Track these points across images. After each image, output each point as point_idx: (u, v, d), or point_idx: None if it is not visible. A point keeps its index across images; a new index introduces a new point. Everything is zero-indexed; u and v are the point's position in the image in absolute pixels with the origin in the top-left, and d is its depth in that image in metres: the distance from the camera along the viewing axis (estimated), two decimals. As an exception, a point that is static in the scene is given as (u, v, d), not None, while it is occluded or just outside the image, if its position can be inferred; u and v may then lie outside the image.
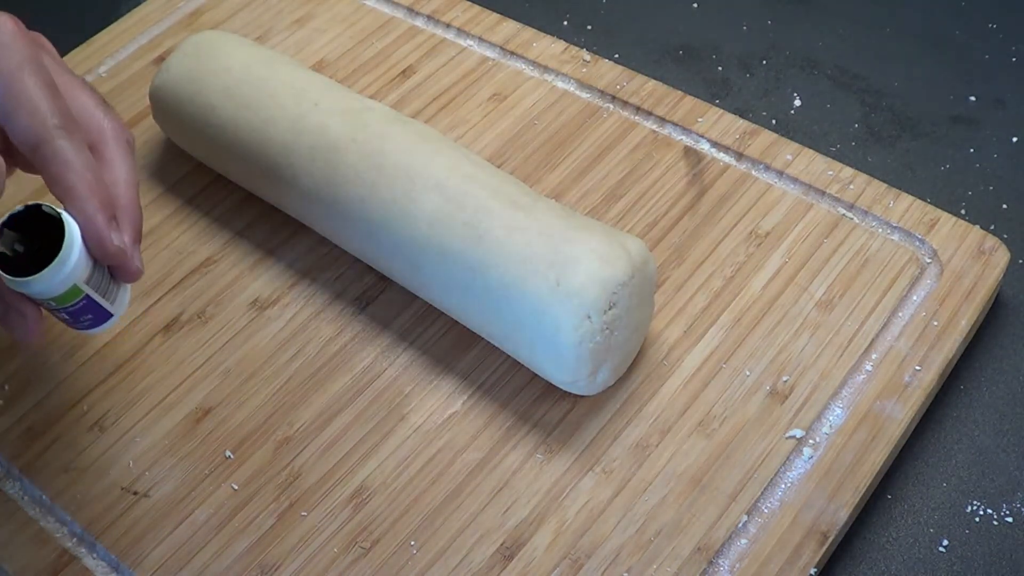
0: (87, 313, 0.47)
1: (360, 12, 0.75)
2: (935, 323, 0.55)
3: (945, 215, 0.59)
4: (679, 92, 0.67)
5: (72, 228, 0.44)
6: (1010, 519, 0.51)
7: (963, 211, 0.63)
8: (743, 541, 0.49)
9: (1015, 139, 0.66)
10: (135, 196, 0.47)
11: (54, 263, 0.43)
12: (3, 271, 0.44)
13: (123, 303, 0.49)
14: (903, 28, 0.74)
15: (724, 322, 0.57)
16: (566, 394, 0.54)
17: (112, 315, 0.48)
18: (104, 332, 0.49)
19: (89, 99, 0.48)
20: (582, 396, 0.54)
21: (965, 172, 0.65)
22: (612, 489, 0.51)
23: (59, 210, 0.44)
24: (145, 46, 0.74)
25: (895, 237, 0.59)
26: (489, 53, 0.71)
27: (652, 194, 0.62)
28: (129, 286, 0.49)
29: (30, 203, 0.44)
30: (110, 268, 0.47)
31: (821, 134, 0.68)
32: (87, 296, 0.46)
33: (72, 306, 0.46)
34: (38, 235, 0.44)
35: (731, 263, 0.59)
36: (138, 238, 0.47)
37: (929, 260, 0.58)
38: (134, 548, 0.51)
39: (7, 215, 0.44)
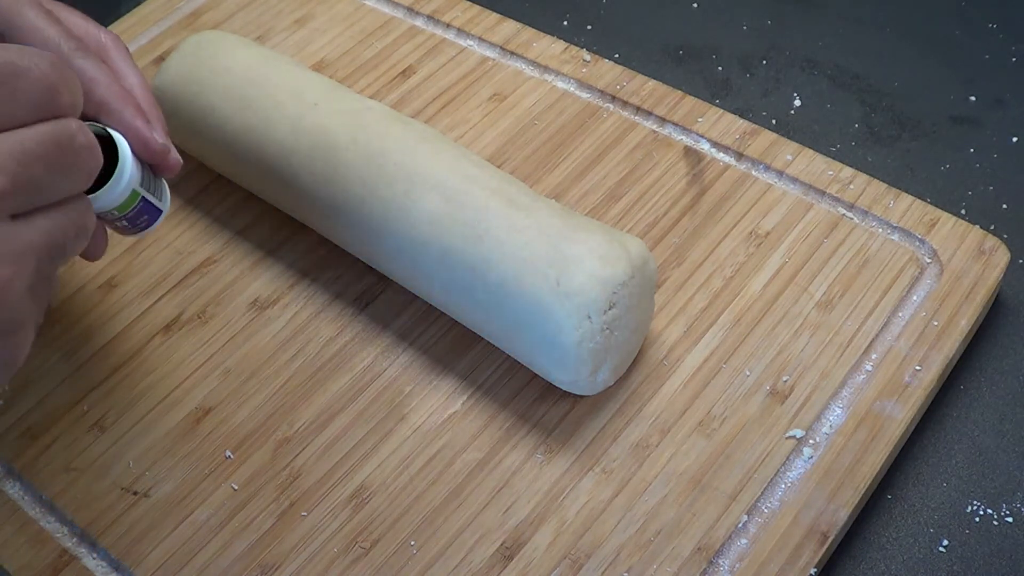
0: (143, 215, 0.49)
1: (360, 12, 0.75)
2: (935, 323, 0.55)
3: (945, 215, 0.59)
4: (679, 92, 0.67)
5: (119, 138, 0.46)
6: (1010, 519, 0.51)
7: (963, 211, 0.63)
8: (743, 541, 0.49)
9: (1015, 139, 0.66)
10: (152, 96, 0.49)
11: (115, 175, 0.45)
12: None
13: (167, 197, 0.51)
14: (903, 28, 0.74)
15: (724, 322, 0.57)
16: (566, 394, 0.54)
17: (162, 211, 0.50)
18: (152, 233, 0.52)
19: (80, 18, 0.50)
20: (582, 396, 0.54)
21: (965, 172, 0.65)
22: (612, 489, 0.51)
23: (101, 125, 0.46)
24: (145, 46, 0.74)
25: (895, 237, 0.59)
26: (489, 53, 0.71)
27: (652, 194, 0.62)
28: (165, 180, 0.51)
29: None
30: (152, 166, 0.49)
31: (821, 134, 0.68)
32: (143, 199, 0.48)
33: (132, 211, 0.48)
34: None
35: (731, 263, 0.59)
36: (168, 133, 0.49)
37: (929, 260, 0.58)
38: (134, 548, 0.51)
39: None
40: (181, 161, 0.49)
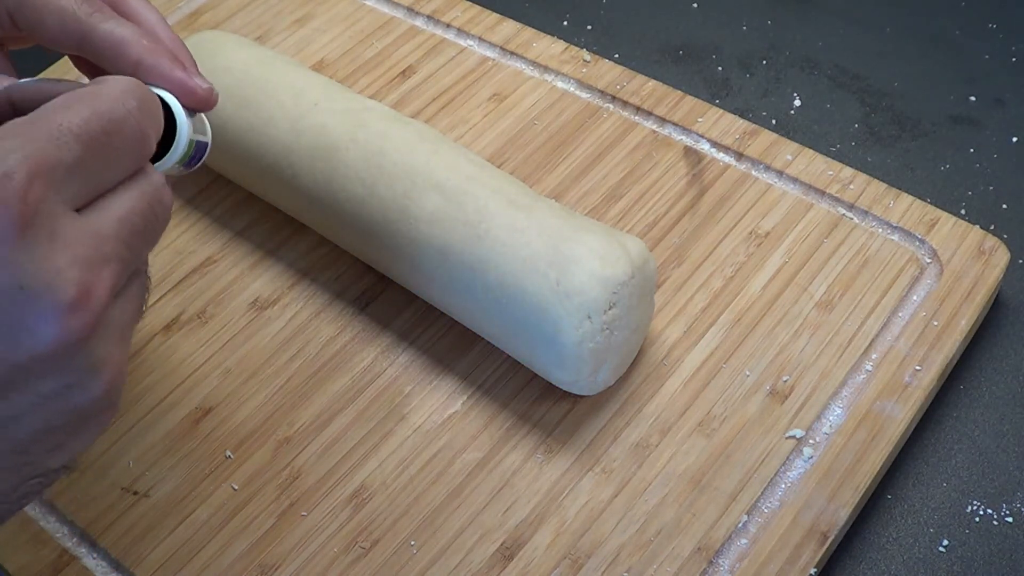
0: (196, 155, 0.47)
1: (360, 12, 0.75)
2: (935, 323, 0.55)
3: (945, 215, 0.59)
4: (679, 92, 0.67)
5: (169, 98, 0.44)
6: (1010, 519, 0.51)
7: (963, 211, 0.63)
8: (743, 541, 0.49)
9: (1015, 139, 0.67)
10: (171, 31, 0.46)
11: (178, 135, 0.44)
12: None
13: (208, 127, 0.49)
14: (903, 28, 0.74)
15: (724, 322, 0.57)
16: (566, 394, 0.54)
17: (208, 143, 0.48)
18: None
19: None
20: (582, 396, 0.54)
21: (965, 172, 0.65)
22: (612, 489, 0.51)
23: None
24: (145, 46, 0.74)
25: (895, 237, 0.59)
26: (489, 53, 0.71)
27: (652, 194, 0.62)
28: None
29: None
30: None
31: (821, 134, 0.68)
32: (196, 142, 0.47)
33: (188, 157, 0.46)
34: None
35: (731, 263, 0.59)
36: (197, 66, 0.46)
37: (929, 260, 0.58)
38: (134, 548, 0.51)
39: None
40: (219, 94, 0.46)
